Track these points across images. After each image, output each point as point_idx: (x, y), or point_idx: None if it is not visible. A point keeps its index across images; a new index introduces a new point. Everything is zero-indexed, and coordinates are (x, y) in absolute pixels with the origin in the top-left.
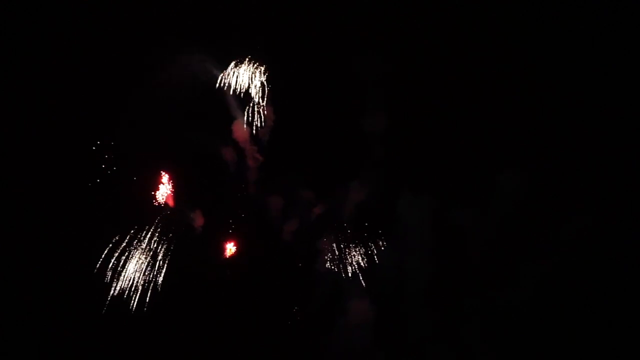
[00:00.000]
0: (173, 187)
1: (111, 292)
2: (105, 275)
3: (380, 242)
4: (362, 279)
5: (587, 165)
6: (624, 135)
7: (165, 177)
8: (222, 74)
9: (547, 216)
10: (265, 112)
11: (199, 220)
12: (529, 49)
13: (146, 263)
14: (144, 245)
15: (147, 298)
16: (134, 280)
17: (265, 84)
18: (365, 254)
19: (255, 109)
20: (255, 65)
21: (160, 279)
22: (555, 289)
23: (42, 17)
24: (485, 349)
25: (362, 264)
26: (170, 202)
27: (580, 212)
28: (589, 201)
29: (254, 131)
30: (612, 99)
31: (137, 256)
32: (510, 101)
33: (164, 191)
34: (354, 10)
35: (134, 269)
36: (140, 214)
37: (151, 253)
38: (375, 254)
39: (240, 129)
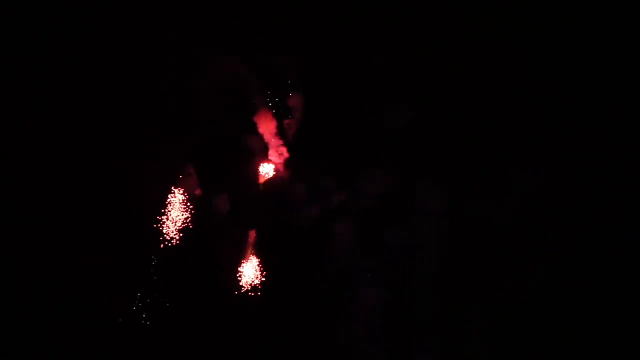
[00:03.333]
0: (198, 177)
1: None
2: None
3: (394, 230)
4: (374, 266)
5: (601, 164)
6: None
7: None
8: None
9: (560, 212)
10: (291, 104)
11: (223, 207)
12: (548, 45)
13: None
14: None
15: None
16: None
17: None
18: (379, 241)
19: (282, 101)
20: (281, 57)
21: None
22: (563, 285)
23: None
24: (485, 341)
25: (375, 251)
26: (197, 192)
27: (592, 210)
28: (601, 200)
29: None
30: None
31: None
32: (531, 96)
33: (190, 182)
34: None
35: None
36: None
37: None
38: (389, 241)
39: (266, 121)
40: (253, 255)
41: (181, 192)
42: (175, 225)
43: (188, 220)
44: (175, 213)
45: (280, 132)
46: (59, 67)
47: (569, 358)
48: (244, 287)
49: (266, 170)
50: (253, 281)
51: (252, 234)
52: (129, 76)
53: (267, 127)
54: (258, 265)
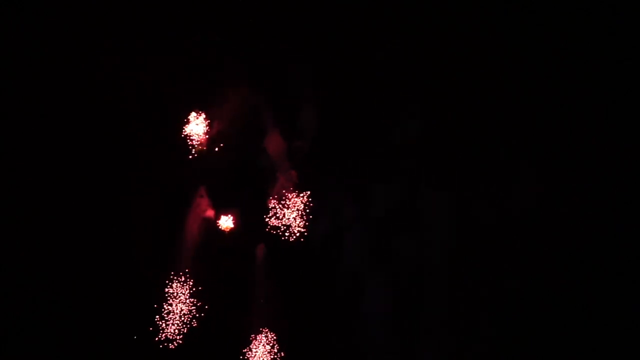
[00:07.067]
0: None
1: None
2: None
3: (402, 237)
4: (384, 272)
5: (602, 170)
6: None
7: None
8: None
9: (565, 219)
10: (302, 121)
11: (232, 225)
12: (549, 57)
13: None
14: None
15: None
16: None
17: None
18: (388, 247)
19: (292, 118)
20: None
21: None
22: (571, 291)
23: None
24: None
25: (384, 257)
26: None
27: (590, 211)
28: (599, 201)
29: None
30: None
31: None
32: (533, 101)
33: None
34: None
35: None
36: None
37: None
38: (397, 248)
39: (276, 143)
40: (266, 266)
41: (194, 212)
42: (189, 242)
43: (201, 238)
44: (189, 231)
45: (290, 151)
46: (84, 101)
47: None
48: (260, 297)
49: (277, 187)
50: (268, 291)
51: (263, 248)
52: (143, 103)
53: (276, 147)
54: (272, 276)
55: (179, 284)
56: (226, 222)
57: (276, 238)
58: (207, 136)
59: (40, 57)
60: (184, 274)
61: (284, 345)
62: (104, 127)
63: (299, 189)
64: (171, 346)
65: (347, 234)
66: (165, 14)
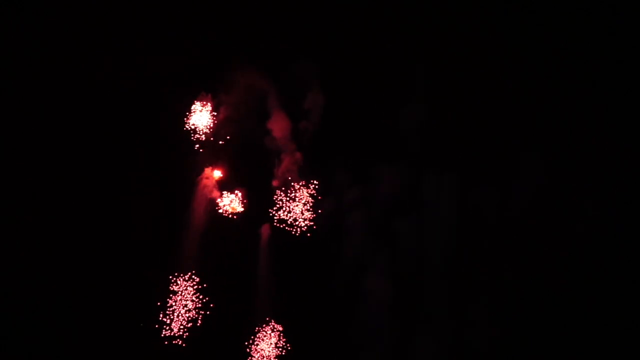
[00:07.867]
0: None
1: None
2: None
3: (404, 221)
4: (384, 258)
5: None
6: None
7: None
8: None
9: (566, 204)
10: (308, 106)
11: (237, 207)
12: (551, 44)
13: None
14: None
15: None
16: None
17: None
18: (389, 232)
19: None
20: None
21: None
22: (570, 277)
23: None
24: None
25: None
26: (215, 193)
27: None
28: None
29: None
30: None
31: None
32: (540, 92)
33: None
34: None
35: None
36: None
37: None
38: (398, 233)
39: (281, 124)
40: (269, 248)
41: (200, 194)
42: (194, 226)
43: (207, 221)
44: (195, 213)
45: (296, 133)
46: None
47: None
48: (263, 277)
49: (282, 168)
50: (270, 273)
51: (268, 230)
52: (151, 87)
53: (282, 128)
54: (274, 258)
55: (183, 279)
56: (232, 205)
57: (282, 231)
58: (213, 119)
59: (40, 57)
60: (189, 265)
61: (290, 336)
62: (104, 126)
63: (303, 172)
64: (175, 342)
65: (349, 220)
66: (165, 14)
